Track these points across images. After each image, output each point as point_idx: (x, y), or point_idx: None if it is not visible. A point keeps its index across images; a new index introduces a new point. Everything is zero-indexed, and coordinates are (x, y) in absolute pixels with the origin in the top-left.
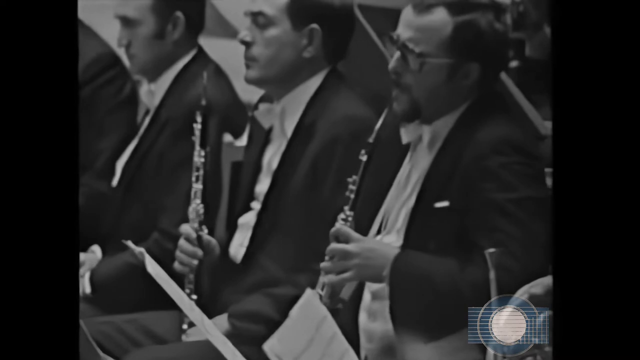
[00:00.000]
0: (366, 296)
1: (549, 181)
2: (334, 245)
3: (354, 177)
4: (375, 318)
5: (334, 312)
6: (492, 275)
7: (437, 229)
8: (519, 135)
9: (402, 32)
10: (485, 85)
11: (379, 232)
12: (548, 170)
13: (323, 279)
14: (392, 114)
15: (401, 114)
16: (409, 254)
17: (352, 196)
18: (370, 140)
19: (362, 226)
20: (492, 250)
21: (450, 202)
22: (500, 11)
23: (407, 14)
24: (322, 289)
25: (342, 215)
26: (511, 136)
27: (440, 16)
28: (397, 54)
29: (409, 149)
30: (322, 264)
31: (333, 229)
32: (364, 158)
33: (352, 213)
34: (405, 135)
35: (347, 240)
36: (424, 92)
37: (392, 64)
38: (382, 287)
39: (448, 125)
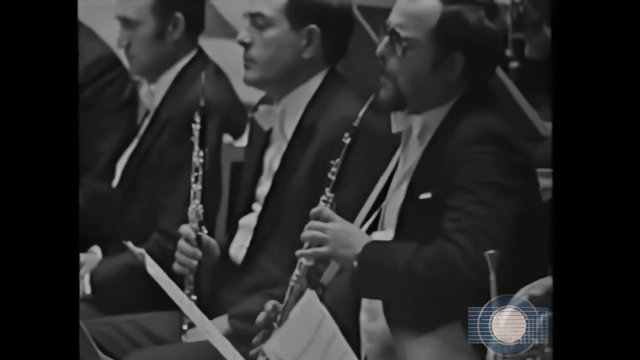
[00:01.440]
0: None
1: (546, 181)
2: (314, 222)
3: (337, 159)
4: (375, 317)
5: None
6: (492, 277)
7: (424, 221)
8: (502, 127)
9: (394, 18)
10: (474, 81)
11: (376, 228)
12: (548, 170)
13: (299, 256)
14: (379, 101)
15: (387, 102)
16: (375, 244)
17: (334, 178)
18: (355, 124)
19: (348, 218)
20: (491, 252)
21: (432, 193)
22: (494, 11)
23: (401, 0)
24: (300, 269)
25: (323, 197)
26: (493, 127)
27: (430, 3)
28: (386, 38)
29: (400, 141)
30: (302, 234)
31: (314, 209)
32: (347, 141)
33: (332, 195)
34: (395, 124)
35: (328, 220)
36: (408, 79)
37: (379, 48)
38: None
39: (438, 119)
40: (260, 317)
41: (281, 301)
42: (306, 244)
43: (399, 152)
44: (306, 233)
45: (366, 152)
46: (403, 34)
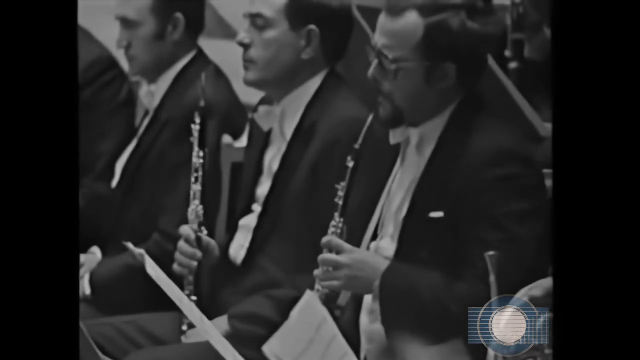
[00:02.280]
0: (367, 297)
1: (547, 182)
2: (325, 255)
3: (342, 183)
4: (376, 318)
5: (334, 315)
6: (492, 278)
7: (431, 238)
8: (513, 142)
9: (378, 38)
10: (468, 86)
11: (374, 237)
12: (548, 171)
13: (317, 285)
14: (378, 120)
15: (385, 120)
16: (398, 268)
17: (341, 203)
18: (356, 145)
19: (356, 232)
20: (491, 253)
21: (445, 212)
22: (474, 10)
23: (382, 20)
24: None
25: (332, 223)
26: (506, 145)
27: (411, 19)
28: (375, 61)
29: (399, 152)
30: (315, 272)
31: (324, 239)
32: (351, 164)
33: (341, 220)
34: (393, 136)
35: (338, 251)
36: (404, 98)
37: (370, 71)
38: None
39: (437, 129)
40: None
41: (281, 303)
42: (321, 269)
43: (397, 163)
44: (321, 274)
45: (368, 162)
46: (390, 55)
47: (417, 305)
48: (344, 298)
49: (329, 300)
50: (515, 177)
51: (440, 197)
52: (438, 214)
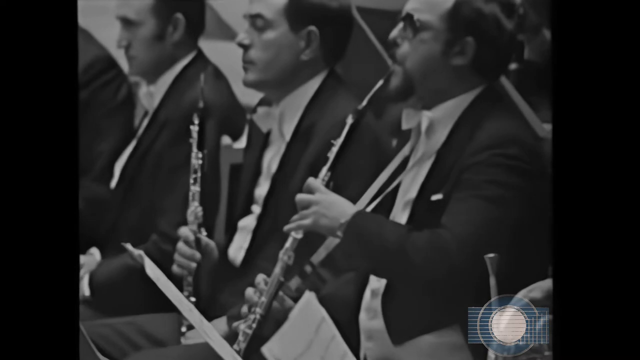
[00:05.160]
0: (367, 294)
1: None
2: (300, 195)
3: (338, 139)
4: (374, 316)
5: (305, 272)
6: (492, 281)
7: (433, 220)
8: (518, 129)
9: (409, 4)
10: (483, 75)
11: None
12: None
13: (286, 231)
14: (388, 90)
15: (395, 90)
16: (367, 214)
17: (332, 157)
18: (359, 107)
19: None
20: (491, 255)
21: (444, 194)
22: (510, 9)
23: None
24: (289, 243)
25: (320, 175)
26: (511, 132)
27: None
28: (400, 24)
29: (410, 136)
30: (295, 217)
31: (306, 182)
32: (350, 121)
33: (329, 173)
34: (406, 121)
35: (313, 192)
36: (417, 62)
37: (392, 33)
38: (383, 285)
39: (449, 117)
40: (249, 291)
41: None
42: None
43: (407, 149)
44: (295, 216)
45: (365, 153)
46: (416, 16)
47: (378, 247)
48: (317, 257)
49: (303, 260)
50: (513, 158)
51: (445, 181)
52: (438, 196)
